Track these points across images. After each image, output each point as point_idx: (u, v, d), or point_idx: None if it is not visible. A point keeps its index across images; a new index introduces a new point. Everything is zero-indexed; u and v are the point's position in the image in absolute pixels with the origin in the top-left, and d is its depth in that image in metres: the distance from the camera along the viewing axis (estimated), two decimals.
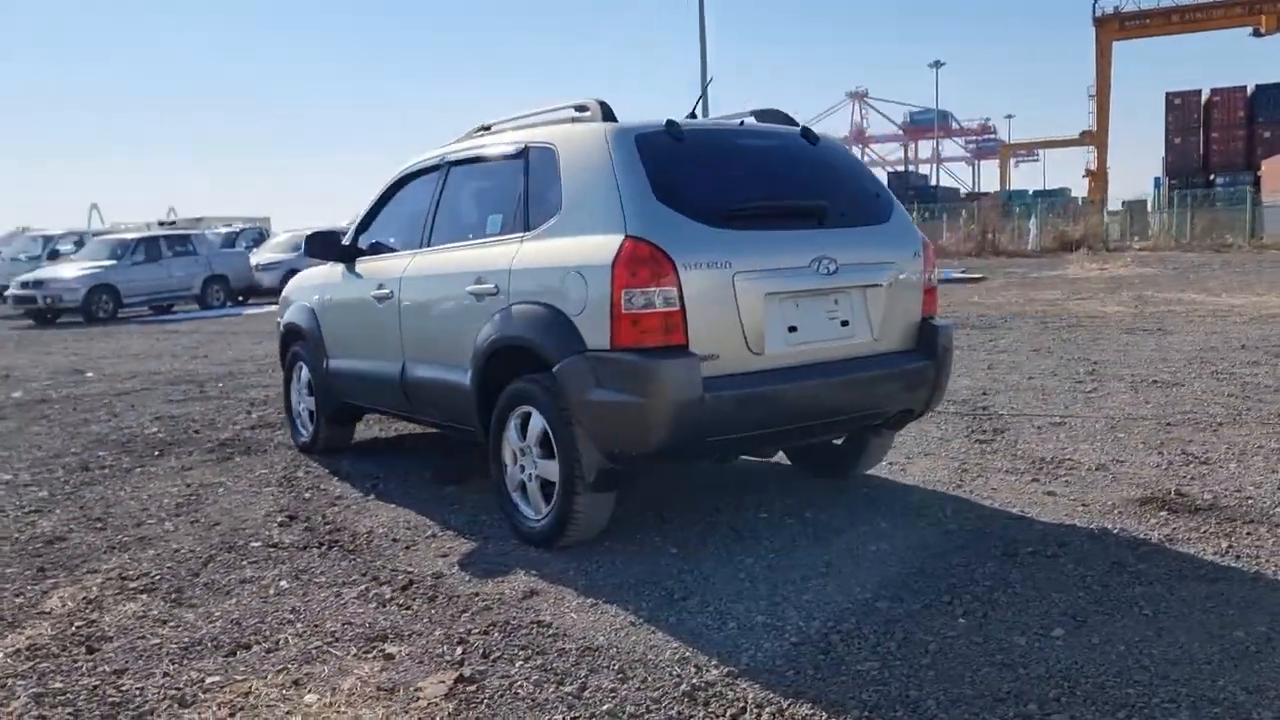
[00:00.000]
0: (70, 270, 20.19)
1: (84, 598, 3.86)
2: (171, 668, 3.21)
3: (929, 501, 4.65)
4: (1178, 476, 4.89)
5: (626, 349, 3.72)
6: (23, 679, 3.15)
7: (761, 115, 4.82)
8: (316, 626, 3.49)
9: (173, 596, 3.84)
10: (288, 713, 2.87)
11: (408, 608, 3.62)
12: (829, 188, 4.38)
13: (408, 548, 4.32)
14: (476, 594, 3.73)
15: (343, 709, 2.87)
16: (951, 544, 4.04)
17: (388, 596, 3.74)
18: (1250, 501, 4.45)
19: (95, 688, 3.08)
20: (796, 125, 4.69)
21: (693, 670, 3.02)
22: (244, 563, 4.20)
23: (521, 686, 2.96)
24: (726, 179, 4.14)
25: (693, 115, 4.69)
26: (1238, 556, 3.79)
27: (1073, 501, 4.56)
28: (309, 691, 2.99)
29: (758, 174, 4.25)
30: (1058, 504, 4.54)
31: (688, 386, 3.69)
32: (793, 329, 4.01)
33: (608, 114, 4.21)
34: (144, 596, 3.85)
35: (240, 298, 22.84)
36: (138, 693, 3.04)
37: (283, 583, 3.94)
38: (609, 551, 4.09)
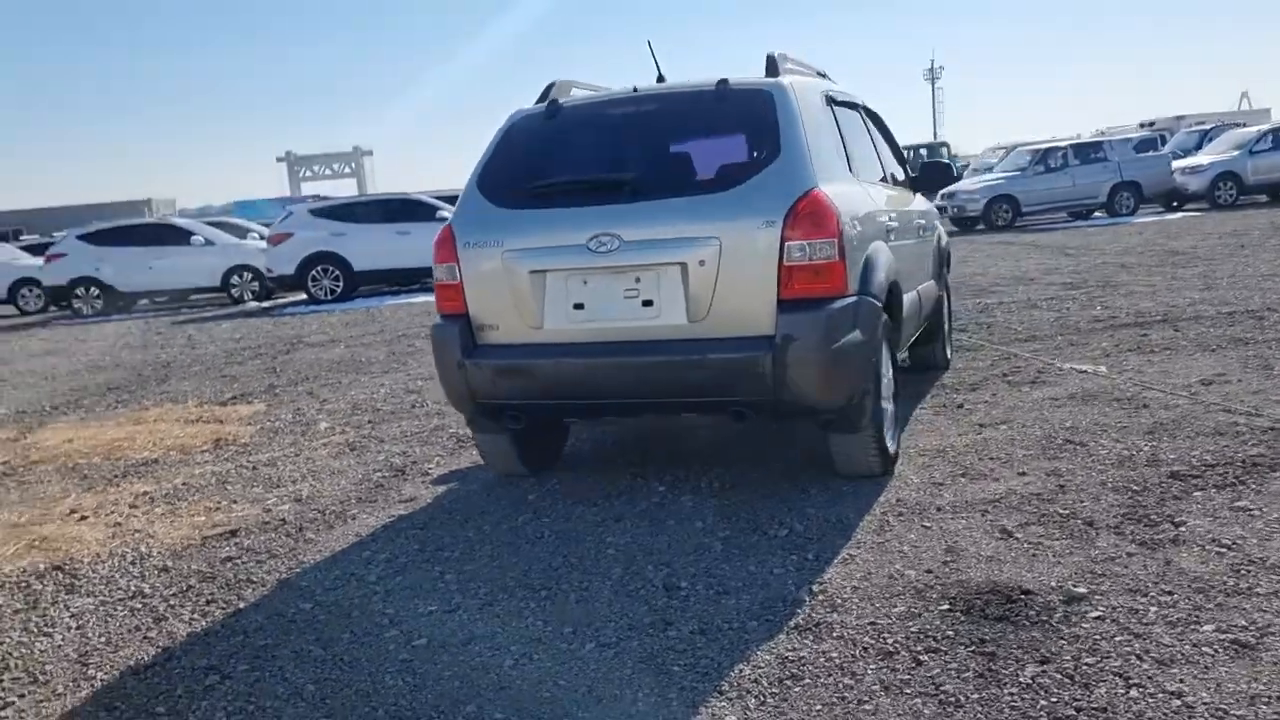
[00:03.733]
0: (975, 183, 22.14)
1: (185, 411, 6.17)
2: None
3: (798, 520, 3.94)
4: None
5: (439, 314, 4.42)
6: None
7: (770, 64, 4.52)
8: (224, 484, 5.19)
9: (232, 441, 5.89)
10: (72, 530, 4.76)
11: (292, 480, 5.04)
12: (685, 152, 4.06)
13: (451, 453, 5.54)
14: (363, 476, 4.93)
15: (111, 522, 4.63)
16: (651, 563, 3.69)
17: (321, 463, 5.20)
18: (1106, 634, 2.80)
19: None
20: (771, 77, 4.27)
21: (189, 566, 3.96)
22: (319, 439, 5.94)
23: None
24: (553, 157, 4.24)
25: (660, 79, 4.61)
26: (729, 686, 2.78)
27: (939, 559, 3.42)
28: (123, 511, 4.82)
29: (598, 148, 4.20)
30: (917, 560, 3.47)
31: (448, 351, 4.23)
32: (579, 306, 4.05)
33: (541, 97, 4.63)
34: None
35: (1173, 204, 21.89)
36: (121, 457, 5.23)
37: (296, 445, 5.63)
38: (509, 487, 4.75)
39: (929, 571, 3.31)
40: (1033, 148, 23.00)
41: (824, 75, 5.23)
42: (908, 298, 4.86)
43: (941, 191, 22.35)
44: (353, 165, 77.31)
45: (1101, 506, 3.77)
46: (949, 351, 6.82)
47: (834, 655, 2.78)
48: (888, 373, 4.44)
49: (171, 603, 3.67)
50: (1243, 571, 3.08)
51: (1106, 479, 4.08)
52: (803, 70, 4.71)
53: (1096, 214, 21.95)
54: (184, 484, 5.39)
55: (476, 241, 4.14)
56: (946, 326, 6.85)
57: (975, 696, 2.51)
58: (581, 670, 2.83)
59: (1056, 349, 7.06)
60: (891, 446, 4.38)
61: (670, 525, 3.97)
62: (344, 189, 69.39)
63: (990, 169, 24.86)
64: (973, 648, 2.76)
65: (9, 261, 21.95)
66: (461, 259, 4.17)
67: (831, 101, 4.57)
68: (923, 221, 5.64)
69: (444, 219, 16.83)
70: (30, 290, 20.90)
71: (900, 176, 6.04)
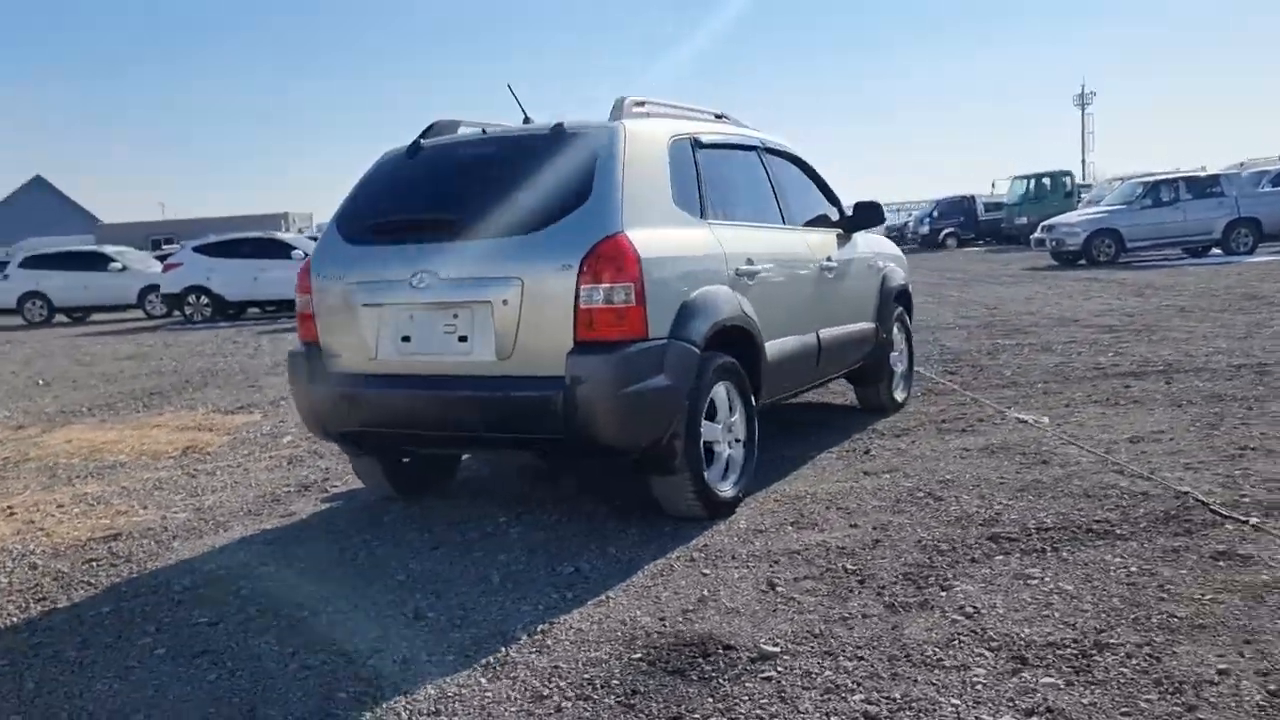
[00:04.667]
0: (1077, 216, 21.26)
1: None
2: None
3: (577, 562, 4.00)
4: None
5: (300, 341, 4.65)
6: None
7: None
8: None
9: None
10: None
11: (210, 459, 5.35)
12: (505, 193, 4.17)
13: None
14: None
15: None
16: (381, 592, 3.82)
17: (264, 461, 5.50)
18: None
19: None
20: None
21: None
22: (272, 451, 6.25)
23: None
24: (399, 196, 4.42)
25: (525, 120, 4.74)
26: None
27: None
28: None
29: (437, 188, 4.36)
30: (663, 608, 3.49)
31: (298, 377, 4.47)
32: (406, 339, 4.22)
33: (421, 134, 4.82)
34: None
35: None
36: (99, 459, 5.64)
37: (249, 456, 5.95)
38: (377, 509, 4.96)
39: (662, 619, 3.32)
40: (1142, 180, 21.90)
41: (722, 117, 5.26)
42: (780, 343, 4.82)
43: (1042, 224, 21.63)
44: None
45: (893, 565, 3.69)
46: (900, 393, 6.67)
47: (491, 695, 2.85)
48: (733, 416, 4.44)
49: (10, 599, 3.99)
50: (954, 643, 3.00)
51: (926, 536, 3.98)
52: (673, 114, 4.75)
53: (1215, 251, 20.76)
54: (125, 487, 5.80)
55: (326, 275, 4.37)
56: (901, 368, 6.70)
57: None
58: (264, 691, 2.97)
59: (1025, 397, 6.82)
60: (728, 491, 4.37)
61: (476, 556, 4.09)
62: None
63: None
64: (620, 699, 2.78)
65: (141, 269, 23.65)
66: (314, 290, 4.40)
67: (697, 146, 4.60)
68: (834, 265, 5.57)
69: None
70: (156, 296, 22.43)
71: (835, 217, 5.99)
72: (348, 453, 4.79)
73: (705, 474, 4.18)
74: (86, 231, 45.54)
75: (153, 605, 3.77)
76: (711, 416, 4.29)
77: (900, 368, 6.70)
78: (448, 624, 3.40)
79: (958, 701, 2.63)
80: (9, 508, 5.44)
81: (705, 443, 4.24)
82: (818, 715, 2.62)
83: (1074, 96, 71.86)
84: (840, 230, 5.89)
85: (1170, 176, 21.49)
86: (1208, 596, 3.21)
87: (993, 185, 36.14)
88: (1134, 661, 2.79)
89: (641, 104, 4.51)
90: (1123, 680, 2.69)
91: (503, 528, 4.44)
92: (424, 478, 5.05)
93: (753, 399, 4.55)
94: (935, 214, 35.83)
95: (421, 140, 4.56)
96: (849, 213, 6.02)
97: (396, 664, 3.10)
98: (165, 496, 5.51)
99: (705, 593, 3.53)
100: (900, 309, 6.61)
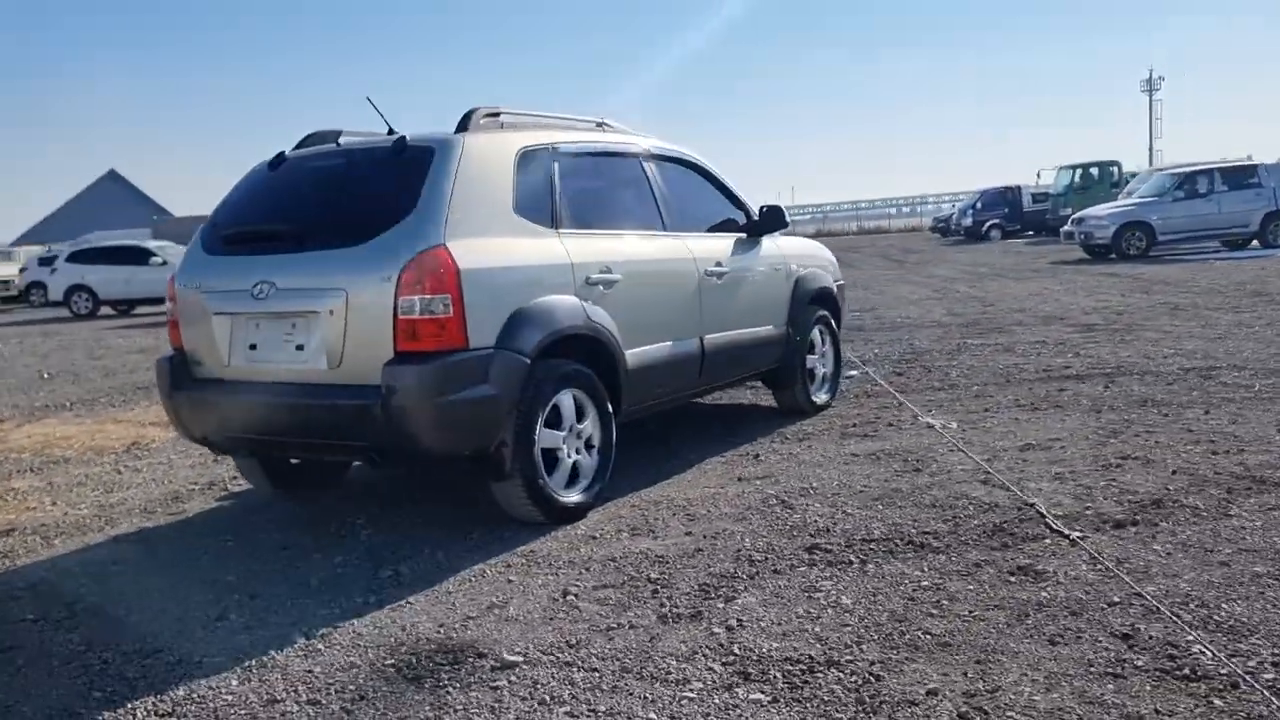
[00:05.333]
0: (1106, 208, 20.76)
1: None
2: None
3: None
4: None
5: (170, 347, 4.81)
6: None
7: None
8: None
9: None
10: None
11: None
12: (340, 206, 4.28)
13: None
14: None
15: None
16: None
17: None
18: None
19: None
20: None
21: None
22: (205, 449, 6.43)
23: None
24: (254, 207, 4.54)
25: (390, 132, 4.81)
26: None
27: None
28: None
29: (287, 199, 4.47)
30: (450, 615, 3.57)
31: (163, 382, 4.63)
32: (253, 347, 4.34)
33: (296, 146, 4.94)
34: None
35: None
36: (48, 453, 5.88)
37: (182, 453, 6.14)
38: (254, 510, 5.12)
39: (441, 626, 3.39)
40: (1174, 171, 21.29)
41: (603, 125, 5.29)
42: (647, 350, 4.84)
43: (1072, 216, 21.19)
44: None
45: (697, 575, 3.71)
46: (822, 396, 6.64)
47: (230, 699, 2.95)
48: (583, 423, 4.49)
49: None
50: (695, 656, 3.02)
51: (749, 546, 3.99)
52: (532, 124, 4.78)
53: (1254, 244, 20.14)
54: (53, 482, 6.03)
55: (186, 283, 4.51)
56: (824, 370, 6.67)
57: None
58: (33, 687, 3.11)
59: (954, 400, 6.75)
60: (575, 497, 4.42)
61: (314, 558, 4.20)
62: None
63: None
64: (344, 705, 2.86)
65: (173, 263, 24.25)
66: (178, 298, 4.55)
67: (555, 156, 4.64)
68: (725, 270, 5.55)
69: None
70: None
71: (742, 222, 6.00)
72: (218, 454, 4.93)
73: (542, 480, 4.23)
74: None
75: None
76: (556, 424, 4.35)
77: (823, 370, 6.66)
78: (242, 627, 3.50)
79: (654, 715, 2.67)
80: None
81: (546, 449, 4.30)
82: None
83: (1141, 82, 69.92)
84: (742, 235, 5.88)
85: (1205, 167, 20.86)
86: (975, 613, 3.19)
87: (1038, 175, 35.34)
88: (853, 679, 2.80)
89: (495, 115, 4.56)
90: (829, 698, 2.70)
91: (355, 529, 4.54)
92: (313, 477, 5.18)
93: (609, 406, 4.58)
94: (979, 205, 35.21)
95: (287, 152, 4.66)
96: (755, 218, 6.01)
97: (168, 664, 3.21)
98: (82, 492, 5.72)
99: (498, 600, 3.59)
100: (822, 311, 6.56)
